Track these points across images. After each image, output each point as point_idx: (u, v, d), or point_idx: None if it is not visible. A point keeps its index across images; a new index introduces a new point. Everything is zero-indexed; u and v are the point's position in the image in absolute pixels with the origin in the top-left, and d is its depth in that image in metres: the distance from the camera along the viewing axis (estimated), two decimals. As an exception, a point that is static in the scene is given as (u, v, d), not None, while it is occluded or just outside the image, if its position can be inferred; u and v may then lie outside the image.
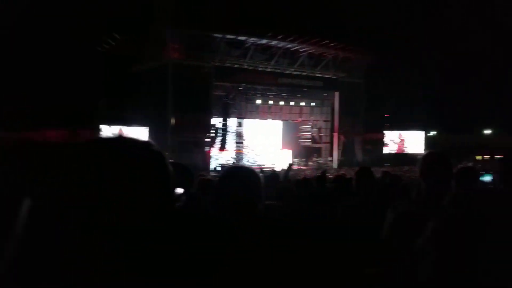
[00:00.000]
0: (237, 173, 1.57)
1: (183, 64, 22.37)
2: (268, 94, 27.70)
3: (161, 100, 22.33)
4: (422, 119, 30.79)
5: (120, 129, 19.37)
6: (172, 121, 22.18)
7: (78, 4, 24.05)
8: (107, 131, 19.62)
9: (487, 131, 36.48)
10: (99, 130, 19.71)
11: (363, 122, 29.61)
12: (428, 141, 29.75)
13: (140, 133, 20.50)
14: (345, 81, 28.37)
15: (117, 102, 24.02)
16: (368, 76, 29.08)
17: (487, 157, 26.69)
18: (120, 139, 0.72)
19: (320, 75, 27.79)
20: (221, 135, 24.86)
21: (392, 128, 30.69)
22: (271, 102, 28.25)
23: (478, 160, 26.23)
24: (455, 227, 0.98)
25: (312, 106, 29.93)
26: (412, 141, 29.65)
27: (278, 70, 26.22)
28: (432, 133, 34.23)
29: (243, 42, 24.45)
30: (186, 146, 22.02)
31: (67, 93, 23.19)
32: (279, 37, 24.58)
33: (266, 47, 25.52)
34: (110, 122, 20.71)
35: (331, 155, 29.00)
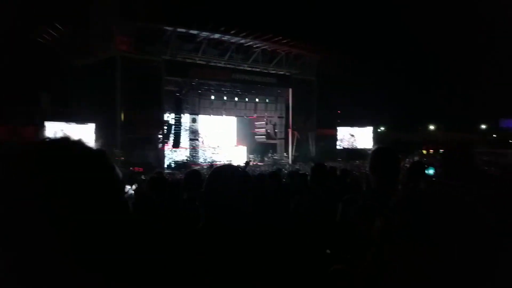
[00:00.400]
0: (229, 172, 1.55)
1: (131, 58, 21.67)
2: (222, 90, 27.59)
3: (109, 95, 21.52)
4: (372, 115, 32.14)
5: (62, 129, 18.40)
6: (121, 117, 21.47)
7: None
8: (51, 128, 18.65)
9: (432, 127, 38.71)
10: (42, 127, 18.67)
11: (316, 118, 30.36)
12: (377, 137, 31.10)
13: (87, 130, 19.68)
14: (298, 78, 28.91)
15: (61, 97, 22.86)
16: (320, 74, 29.82)
17: (432, 151, 28.40)
18: (65, 142, 0.70)
19: (273, 72, 28.11)
20: (174, 131, 24.43)
21: (343, 124, 31.76)
22: (225, 98, 28.17)
23: (424, 154, 27.83)
24: (397, 230, 1.04)
25: (267, 102, 30.21)
26: (362, 137, 30.84)
27: (232, 66, 26.17)
28: (381, 129, 35.81)
29: (195, 36, 24.13)
30: (137, 143, 21.44)
31: (5, 87, 21.69)
32: (232, 32, 24.51)
33: (219, 42, 25.35)
34: (54, 118, 19.68)
35: (286, 151, 29.48)
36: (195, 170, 4.00)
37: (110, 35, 21.65)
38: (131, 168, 17.55)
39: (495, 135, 34.28)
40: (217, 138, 28.11)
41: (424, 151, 29.05)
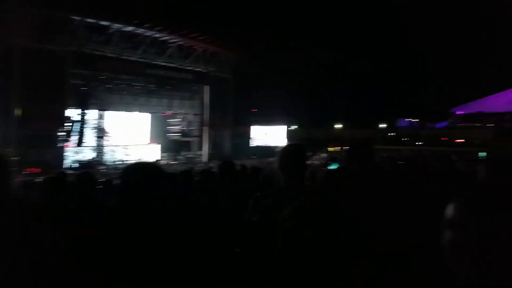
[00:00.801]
0: (144, 169, 1.53)
1: (32, 48, 19.69)
2: (134, 85, 26.38)
3: (3, 88, 19.28)
4: (285, 114, 33.42)
5: None
6: (17, 112, 19.37)
7: None
8: None
9: (339, 125, 41.40)
10: None
11: (232, 116, 30.62)
12: (290, 135, 32.42)
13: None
14: (215, 75, 28.86)
15: None
16: (236, 72, 30.15)
17: (338, 148, 30.43)
18: None
19: (190, 68, 27.67)
20: (78, 128, 22.70)
21: (258, 122, 32.52)
22: (138, 93, 26.98)
23: (331, 151, 29.70)
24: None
25: (182, 99, 29.64)
26: (275, 135, 31.89)
27: (146, 60, 25.17)
28: (293, 127, 37.37)
29: (106, 27, 22.73)
30: (35, 140, 19.53)
31: None
32: (146, 25, 23.58)
33: (132, 35, 24.21)
34: None
35: (201, 149, 29.25)
36: (87, 171, 3.79)
37: (7, 22, 19.38)
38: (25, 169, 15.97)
39: (392, 133, 37.89)
40: (128, 135, 26.78)
41: (331, 148, 31.02)
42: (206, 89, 28.89)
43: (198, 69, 28.02)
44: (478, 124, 37.56)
